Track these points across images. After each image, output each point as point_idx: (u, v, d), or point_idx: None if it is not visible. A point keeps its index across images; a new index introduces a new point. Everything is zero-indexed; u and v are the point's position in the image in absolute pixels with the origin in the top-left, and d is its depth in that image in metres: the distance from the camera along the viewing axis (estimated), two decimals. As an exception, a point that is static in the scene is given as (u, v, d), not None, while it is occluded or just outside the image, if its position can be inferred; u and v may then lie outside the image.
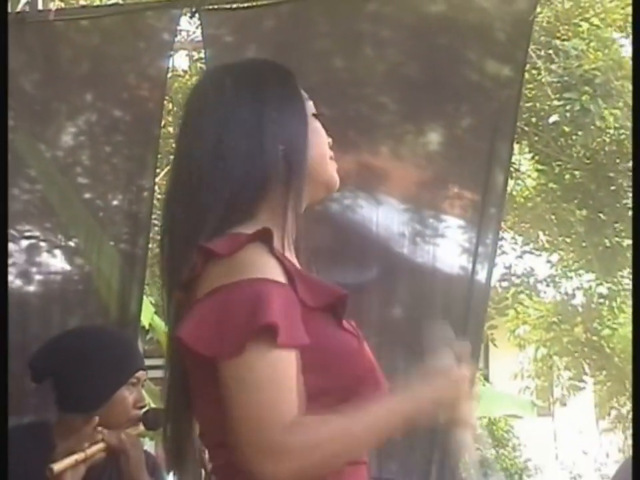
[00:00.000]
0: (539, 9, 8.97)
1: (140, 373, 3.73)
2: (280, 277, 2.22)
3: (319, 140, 2.39)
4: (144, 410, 3.68)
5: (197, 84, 2.51)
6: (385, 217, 4.94)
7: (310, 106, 2.42)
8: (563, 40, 11.75)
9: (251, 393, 2.13)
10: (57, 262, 5.76)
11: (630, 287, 13.97)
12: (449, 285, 5.03)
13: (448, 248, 5.06)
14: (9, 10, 9.33)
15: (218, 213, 2.27)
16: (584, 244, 13.26)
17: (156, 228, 10.60)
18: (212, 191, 2.29)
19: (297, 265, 2.37)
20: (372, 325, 4.65)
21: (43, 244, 5.76)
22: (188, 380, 2.32)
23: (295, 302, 2.22)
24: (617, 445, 15.94)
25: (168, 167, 11.57)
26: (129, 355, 3.82)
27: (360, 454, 2.30)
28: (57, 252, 5.77)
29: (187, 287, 2.27)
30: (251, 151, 2.28)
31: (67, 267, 5.79)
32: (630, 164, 12.03)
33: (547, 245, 14.22)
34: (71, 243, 5.77)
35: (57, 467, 3.31)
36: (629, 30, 12.41)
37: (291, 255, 2.36)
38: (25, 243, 5.74)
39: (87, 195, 5.83)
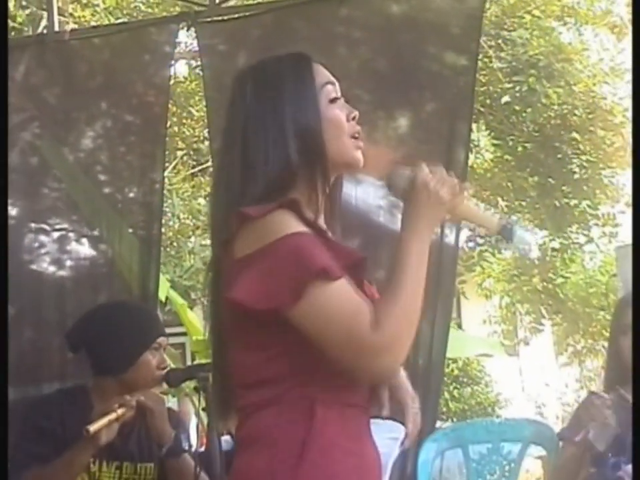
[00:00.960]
0: (487, 5, 8.97)
1: (161, 339, 3.73)
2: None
3: (335, 125, 2.31)
4: (166, 370, 3.67)
5: (240, 75, 2.43)
6: (364, 192, 4.94)
7: (327, 92, 2.33)
8: (510, 31, 11.77)
9: (329, 321, 2.13)
10: (84, 249, 5.79)
11: (578, 241, 14.01)
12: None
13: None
14: (30, 32, 9.33)
15: (255, 189, 2.24)
16: (537, 206, 13.29)
17: (168, 215, 10.64)
18: (249, 169, 2.26)
19: (328, 232, 2.34)
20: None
21: (71, 234, 5.77)
22: (225, 334, 2.30)
23: (323, 246, 2.21)
24: (575, 377, 15.99)
25: (175, 161, 11.62)
26: (151, 324, 3.82)
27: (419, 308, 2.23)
28: (84, 240, 5.79)
29: (226, 246, 2.24)
30: (275, 140, 2.25)
31: (93, 253, 5.81)
32: (574, 134, 12.05)
33: (505, 209, 14.23)
34: (95, 232, 5.77)
35: (93, 427, 3.31)
36: (566, 19, 12.43)
37: (321, 223, 2.33)
38: (55, 234, 5.74)
39: (107, 190, 5.84)
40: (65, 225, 5.78)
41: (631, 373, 2.72)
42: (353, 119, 2.34)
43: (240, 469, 2.25)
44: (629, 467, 3.76)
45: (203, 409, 3.14)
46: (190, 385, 3.32)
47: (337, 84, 2.37)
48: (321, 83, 2.33)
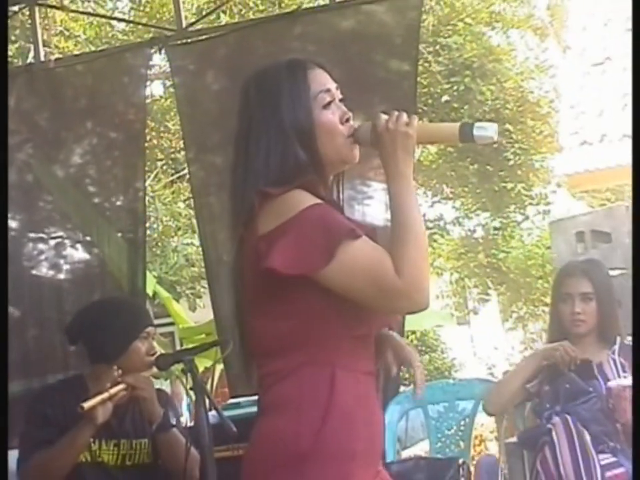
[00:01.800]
0: (424, 16, 8.99)
1: (149, 329, 3.70)
2: None
3: (328, 129, 2.26)
4: (156, 355, 3.67)
5: (246, 83, 2.37)
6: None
7: (320, 99, 2.27)
8: (445, 37, 11.81)
9: (360, 274, 2.13)
10: (78, 253, 5.81)
11: (516, 219, 14.07)
12: (380, 234, 5.06)
13: (375, 206, 5.08)
14: (19, 63, 9.26)
15: (271, 178, 2.22)
16: (478, 190, 13.35)
17: (152, 218, 10.62)
18: (261, 166, 2.25)
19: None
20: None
21: (66, 241, 5.79)
22: (248, 306, 2.27)
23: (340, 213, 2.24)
24: (519, 339, 16.06)
25: (156, 170, 11.60)
26: (139, 315, 3.80)
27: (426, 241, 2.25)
28: (78, 246, 5.82)
29: (248, 225, 2.22)
30: (276, 145, 2.24)
31: (86, 256, 5.84)
32: (507, 125, 12.10)
33: (450, 195, 14.29)
34: (87, 238, 5.80)
35: (87, 405, 3.32)
36: (494, 24, 12.48)
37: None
38: (52, 242, 5.77)
39: (96, 199, 5.85)
40: (60, 233, 5.80)
41: (631, 372, 2.69)
42: (347, 120, 2.30)
43: (266, 433, 2.20)
44: (558, 419, 3.80)
45: (191, 388, 3.14)
46: (178, 367, 3.31)
47: (332, 87, 2.32)
48: (315, 91, 2.28)
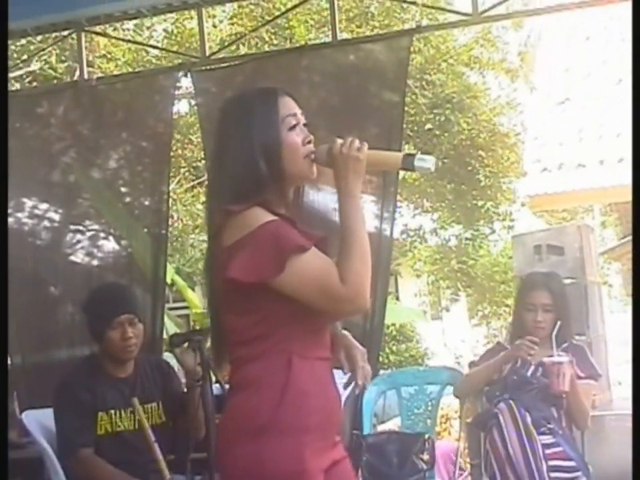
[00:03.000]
0: (413, 56, 8.98)
1: (123, 317, 3.53)
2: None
3: (291, 148, 2.23)
4: (170, 335, 3.62)
5: (224, 105, 2.34)
6: (322, 197, 4.95)
7: (287, 122, 2.24)
8: (431, 75, 11.80)
9: (307, 283, 2.13)
10: (109, 244, 5.78)
11: (484, 232, 14.05)
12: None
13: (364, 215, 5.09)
14: (67, 79, 9.24)
15: (233, 193, 2.20)
16: (453, 206, 13.34)
17: (174, 217, 10.61)
18: (228, 180, 2.23)
19: (295, 221, 2.30)
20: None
21: (100, 234, 5.77)
22: (220, 304, 2.27)
23: (293, 228, 2.21)
24: (483, 334, 16.03)
25: (179, 177, 11.59)
26: (112, 306, 3.57)
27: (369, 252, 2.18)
28: (109, 238, 5.79)
29: (216, 237, 2.21)
30: (244, 159, 2.21)
31: (117, 247, 5.80)
32: (480, 152, 12.08)
33: (429, 209, 14.26)
34: (117, 233, 5.79)
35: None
36: (473, 65, 12.46)
37: (290, 215, 2.29)
38: (88, 234, 5.75)
39: (127, 199, 5.84)
40: (96, 227, 5.79)
41: (631, 373, 2.68)
42: (309, 142, 2.27)
43: (233, 408, 2.21)
44: (503, 405, 3.80)
45: (199, 364, 3.12)
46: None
47: (298, 113, 2.29)
48: (283, 114, 2.25)
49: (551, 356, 3.78)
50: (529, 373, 3.90)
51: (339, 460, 2.29)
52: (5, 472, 2.72)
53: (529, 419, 3.73)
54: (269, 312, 2.18)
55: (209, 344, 2.65)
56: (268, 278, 2.12)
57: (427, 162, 2.20)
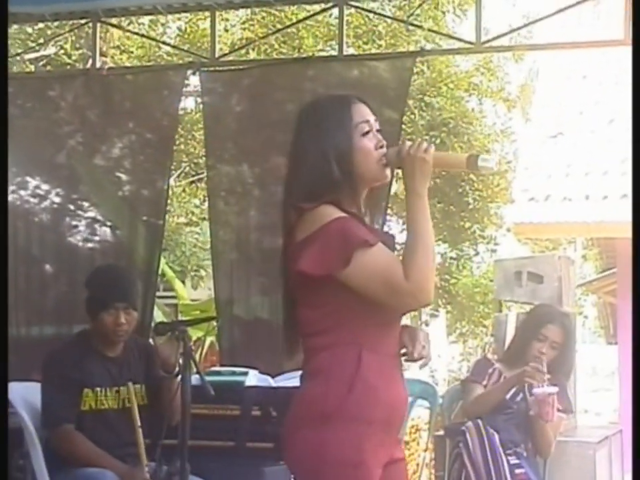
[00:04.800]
0: (415, 77, 9.02)
1: (118, 305, 3.51)
2: None
3: (364, 153, 2.27)
4: (156, 323, 3.61)
5: (302, 110, 2.39)
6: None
7: (360, 128, 2.29)
8: (430, 97, 11.82)
9: (372, 277, 2.17)
10: (106, 231, 5.81)
11: (469, 253, 14.08)
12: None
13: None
14: (80, 66, 9.26)
15: (309, 192, 2.24)
16: (440, 226, 13.34)
17: (170, 210, 10.61)
18: (303, 180, 2.27)
19: (365, 219, 2.34)
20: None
21: (99, 219, 5.79)
22: (293, 296, 2.30)
23: (361, 225, 2.25)
24: (459, 351, 16.07)
25: (179, 171, 11.58)
26: (110, 291, 3.56)
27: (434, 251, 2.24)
28: (107, 224, 5.81)
29: (290, 233, 2.26)
30: (318, 162, 2.26)
31: (111, 234, 5.82)
32: (471, 175, 12.10)
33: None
34: (113, 219, 5.81)
35: None
36: (472, 91, 12.50)
37: (361, 215, 2.33)
38: (86, 217, 5.77)
39: (127, 187, 5.84)
40: (94, 211, 5.80)
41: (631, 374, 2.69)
42: (381, 147, 2.31)
43: (303, 394, 2.25)
44: (471, 423, 3.82)
45: (182, 353, 3.12)
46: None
47: (371, 119, 2.32)
48: (357, 121, 2.30)
49: (541, 386, 3.81)
50: (508, 396, 3.92)
51: (398, 459, 2.33)
52: (5, 472, 2.71)
53: (497, 439, 3.75)
54: (337, 305, 2.23)
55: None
56: (334, 271, 2.18)
57: (489, 162, 2.28)
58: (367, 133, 2.31)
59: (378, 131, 2.34)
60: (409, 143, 2.27)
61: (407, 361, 2.35)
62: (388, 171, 2.32)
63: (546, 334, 3.99)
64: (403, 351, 2.32)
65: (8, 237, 3.07)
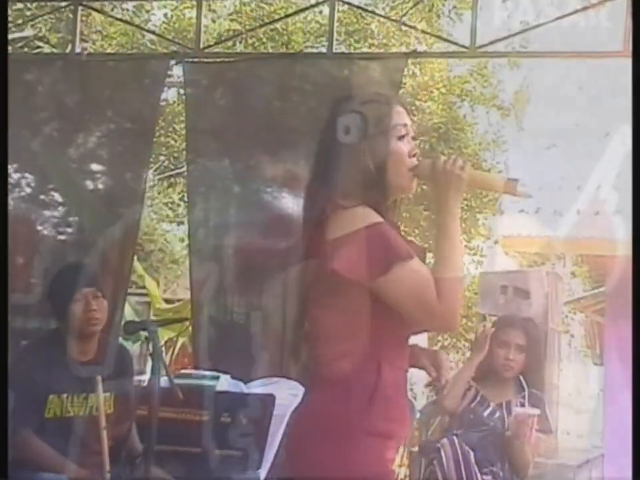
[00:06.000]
0: (406, 79, 9.03)
1: (84, 290, 3.52)
2: None
3: (397, 156, 2.25)
4: (125, 321, 3.60)
5: (335, 105, 2.35)
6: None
7: (397, 130, 2.27)
8: (421, 101, 11.85)
9: (407, 292, 2.15)
10: (76, 222, 5.78)
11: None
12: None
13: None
14: (59, 51, 9.24)
15: (345, 188, 2.22)
16: (426, 233, 13.39)
17: (148, 202, 10.58)
18: (339, 175, 2.25)
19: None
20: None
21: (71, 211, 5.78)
22: (310, 295, 2.27)
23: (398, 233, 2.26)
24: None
25: (158, 164, 11.55)
26: (72, 280, 3.55)
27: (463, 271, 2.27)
28: (78, 217, 5.77)
29: (318, 227, 2.22)
30: (355, 157, 2.22)
31: (83, 229, 5.77)
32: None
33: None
34: (83, 215, 5.78)
35: None
36: (464, 97, 12.54)
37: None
38: (58, 208, 5.80)
39: (103, 178, 5.82)
40: (65, 203, 5.79)
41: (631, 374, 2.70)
42: (414, 155, 2.30)
43: (315, 406, 2.22)
44: (446, 440, 3.85)
45: (151, 354, 3.11)
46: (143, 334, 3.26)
47: (408, 124, 2.31)
48: (395, 123, 2.28)
49: (522, 402, 3.83)
50: (485, 414, 3.94)
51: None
52: (5, 472, 2.72)
53: (472, 457, 3.77)
54: (361, 312, 2.19)
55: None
56: (370, 277, 2.14)
57: (526, 190, 2.30)
58: (403, 137, 2.29)
59: (413, 138, 2.32)
60: (444, 158, 2.26)
61: (429, 385, 2.37)
62: (414, 183, 2.30)
63: (506, 339, 4.02)
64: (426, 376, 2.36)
65: (8, 237, 3.05)
